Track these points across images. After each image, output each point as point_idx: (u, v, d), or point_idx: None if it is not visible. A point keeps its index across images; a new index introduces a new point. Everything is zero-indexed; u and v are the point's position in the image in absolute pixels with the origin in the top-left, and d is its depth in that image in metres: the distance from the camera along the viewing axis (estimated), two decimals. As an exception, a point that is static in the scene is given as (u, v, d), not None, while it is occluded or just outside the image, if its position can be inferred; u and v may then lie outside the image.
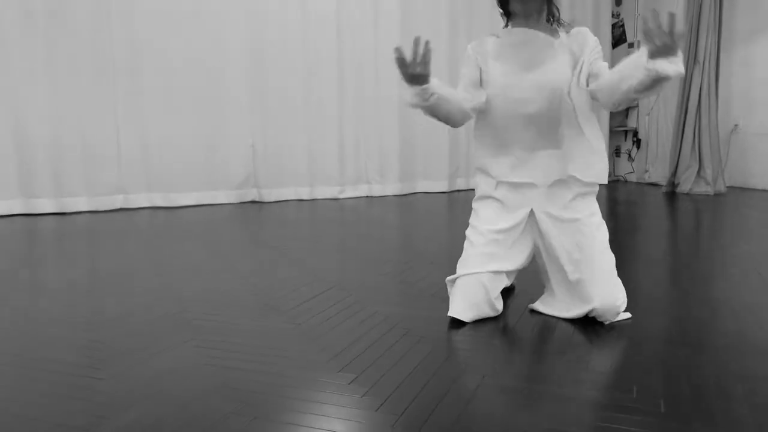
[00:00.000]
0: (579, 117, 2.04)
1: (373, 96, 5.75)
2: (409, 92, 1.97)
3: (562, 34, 2.10)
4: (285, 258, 3.06)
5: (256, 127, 5.31)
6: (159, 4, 4.83)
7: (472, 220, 2.18)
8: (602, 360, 1.72)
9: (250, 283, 2.56)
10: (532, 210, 2.10)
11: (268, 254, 3.19)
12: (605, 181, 2.11)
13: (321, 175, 5.59)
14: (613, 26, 7.18)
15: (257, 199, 5.36)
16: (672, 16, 1.58)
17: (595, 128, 2.09)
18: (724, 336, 1.88)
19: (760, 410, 1.37)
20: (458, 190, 6.27)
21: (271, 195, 5.37)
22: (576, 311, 2.00)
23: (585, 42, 2.05)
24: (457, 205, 5.28)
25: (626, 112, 7.36)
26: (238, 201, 5.29)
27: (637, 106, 7.14)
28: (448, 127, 2.41)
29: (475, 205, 2.19)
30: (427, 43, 1.88)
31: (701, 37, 5.91)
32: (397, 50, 1.86)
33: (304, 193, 5.52)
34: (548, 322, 2.01)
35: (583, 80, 2.03)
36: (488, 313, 2.01)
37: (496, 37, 2.14)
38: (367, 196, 5.77)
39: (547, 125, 2.05)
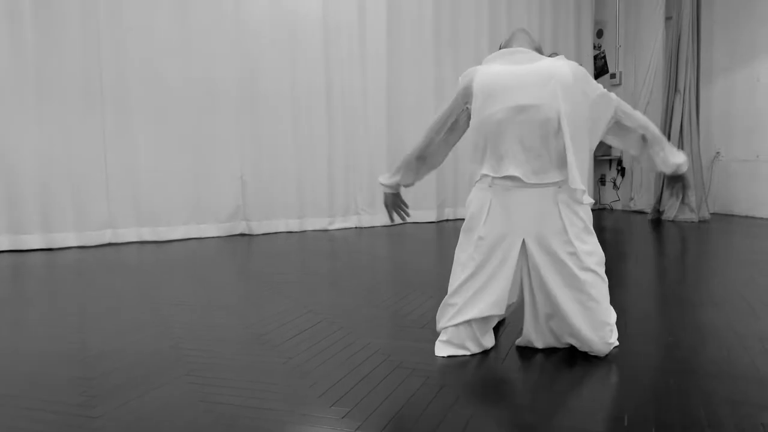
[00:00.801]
0: (568, 128, 1.99)
1: (361, 127, 5.82)
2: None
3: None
4: (275, 291, 3.06)
5: (246, 159, 5.33)
6: (148, 37, 4.88)
7: (458, 248, 2.13)
8: (593, 389, 1.73)
9: (241, 317, 2.56)
10: (523, 241, 2.02)
11: (258, 287, 3.19)
12: (583, 187, 2.05)
13: (310, 207, 5.61)
14: (595, 57, 7.34)
15: (246, 232, 5.36)
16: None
17: (585, 153, 2.08)
18: (713, 363, 1.90)
19: (749, 437, 1.39)
20: (446, 220, 6.31)
21: (260, 227, 5.37)
22: (565, 341, 2.01)
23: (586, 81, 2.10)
24: (445, 235, 5.31)
25: (610, 141, 7.46)
26: (227, 234, 5.28)
27: (621, 135, 7.24)
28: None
29: (463, 232, 2.13)
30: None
31: (681, 68, 6.06)
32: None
33: (294, 225, 5.53)
34: (538, 352, 2.02)
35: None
36: (476, 351, 2.01)
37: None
38: (356, 227, 5.79)
39: (539, 125, 1.99)
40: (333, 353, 2.03)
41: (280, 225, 5.47)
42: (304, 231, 5.53)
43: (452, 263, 2.14)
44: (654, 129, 2.16)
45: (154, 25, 4.91)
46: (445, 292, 2.11)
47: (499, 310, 2.02)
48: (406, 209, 2.48)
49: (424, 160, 2.36)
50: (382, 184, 2.43)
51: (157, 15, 4.92)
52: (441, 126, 2.26)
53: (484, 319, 2.01)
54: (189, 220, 5.12)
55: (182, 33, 5.02)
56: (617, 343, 2.02)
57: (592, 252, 1.99)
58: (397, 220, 2.53)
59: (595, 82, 2.12)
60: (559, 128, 1.98)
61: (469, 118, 2.19)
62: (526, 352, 2.02)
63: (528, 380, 1.79)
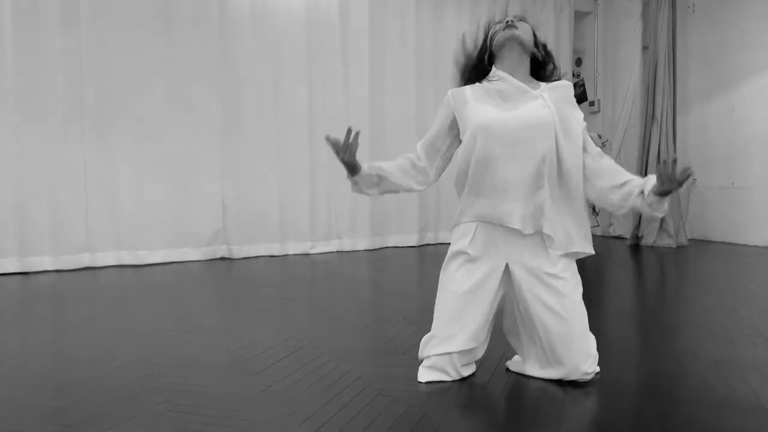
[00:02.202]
0: (567, 169, 2.00)
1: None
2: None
3: (542, 84, 2.13)
4: (256, 316, 3.04)
5: (226, 182, 5.31)
6: (129, 61, 4.87)
7: (442, 276, 2.12)
8: (575, 417, 1.73)
9: (221, 343, 2.53)
10: (507, 265, 2.02)
11: (238, 312, 3.16)
12: (591, 251, 2.06)
13: (292, 231, 5.59)
14: (575, 85, 7.45)
15: (227, 256, 5.32)
16: (684, 170, 1.82)
17: (581, 191, 2.05)
18: (693, 390, 1.92)
19: (729, 465, 1.39)
20: (428, 244, 6.32)
21: (241, 251, 5.33)
22: (549, 372, 2.00)
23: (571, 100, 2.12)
24: (427, 260, 5.32)
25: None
26: (208, 258, 5.24)
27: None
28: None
29: (447, 261, 2.11)
30: (356, 134, 2.00)
31: (658, 97, 6.18)
32: (328, 138, 2.02)
33: (275, 249, 5.50)
34: (520, 380, 2.02)
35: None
36: (457, 378, 2.00)
37: (477, 84, 2.14)
38: (338, 251, 5.77)
39: (532, 169, 1.98)
40: (314, 380, 2.01)
41: (261, 249, 5.43)
42: (286, 255, 5.50)
43: (435, 289, 2.12)
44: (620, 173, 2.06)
45: (136, 46, 4.90)
46: (427, 317, 2.10)
47: (476, 342, 2.01)
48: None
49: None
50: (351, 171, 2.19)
51: (140, 35, 4.91)
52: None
53: (466, 351, 2.01)
54: (169, 243, 5.07)
55: (165, 53, 5.02)
56: (598, 369, 2.02)
57: (573, 282, 2.01)
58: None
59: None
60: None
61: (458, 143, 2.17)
62: (508, 379, 2.02)
63: (510, 407, 1.79)
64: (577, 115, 2.09)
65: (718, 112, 6.29)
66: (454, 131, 2.16)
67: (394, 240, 6.13)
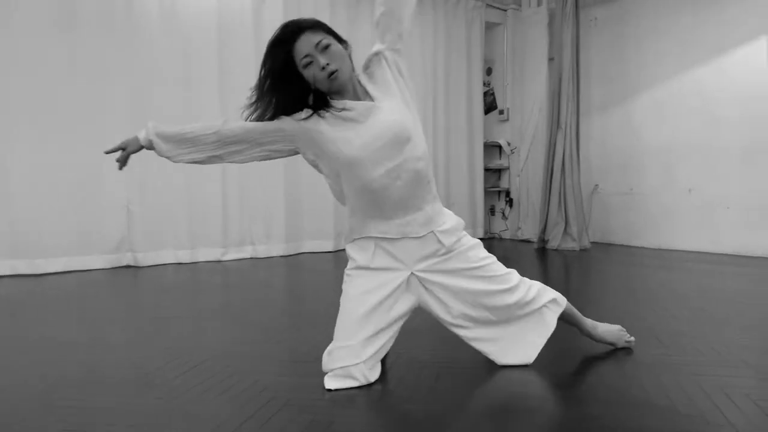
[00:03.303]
0: (427, 162, 2.08)
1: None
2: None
3: (369, 87, 2.09)
4: (162, 327, 2.93)
5: (132, 187, 5.10)
6: (30, 61, 4.60)
7: (345, 285, 2.16)
8: (474, 415, 1.77)
9: (123, 356, 2.42)
10: (412, 273, 2.10)
11: (143, 323, 3.04)
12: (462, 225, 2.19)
13: (202, 237, 5.43)
14: (485, 94, 7.68)
15: (132, 264, 5.10)
16: None
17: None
18: (592, 388, 2.00)
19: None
20: (344, 250, 6.30)
21: (147, 259, 5.13)
22: (526, 344, 2.19)
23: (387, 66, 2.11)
24: (343, 265, 5.27)
25: (499, 173, 7.81)
26: (112, 266, 5.01)
27: (509, 168, 7.60)
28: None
29: (349, 271, 2.17)
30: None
31: (562, 106, 6.45)
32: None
33: (184, 256, 5.33)
34: (426, 383, 2.05)
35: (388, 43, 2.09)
36: (364, 383, 2.00)
37: (318, 117, 2.06)
38: (251, 258, 5.67)
39: (405, 178, 2.03)
40: (219, 392, 1.96)
41: (170, 256, 5.25)
42: (196, 262, 5.34)
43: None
44: None
45: (37, 46, 4.64)
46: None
47: (379, 347, 2.04)
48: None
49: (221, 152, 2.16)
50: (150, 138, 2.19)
51: (41, 35, 4.65)
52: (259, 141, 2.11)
53: (371, 356, 2.03)
54: (70, 251, 4.82)
55: (68, 53, 4.78)
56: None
57: (484, 258, 2.15)
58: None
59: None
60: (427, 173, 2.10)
61: (289, 153, 2.15)
62: (417, 381, 2.04)
63: (415, 411, 1.80)
64: (395, 91, 2.09)
65: (618, 121, 6.65)
66: (290, 144, 2.12)
67: (309, 245, 6.09)
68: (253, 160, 2.17)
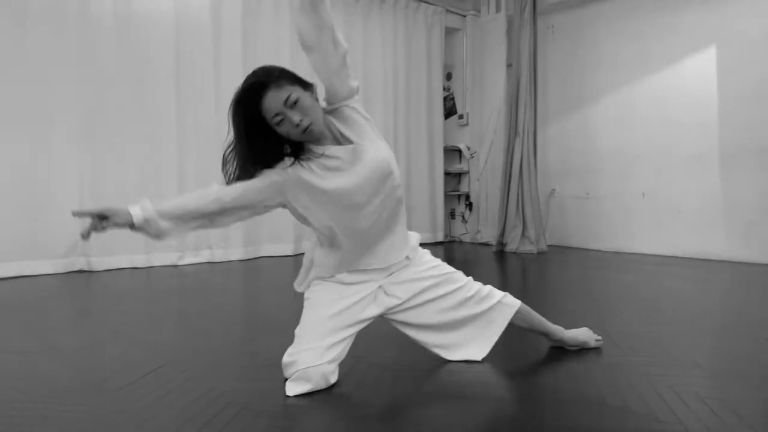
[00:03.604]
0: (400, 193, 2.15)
1: (216, 159, 5.64)
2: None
3: (342, 129, 2.05)
4: (116, 333, 2.85)
5: (85, 189, 4.97)
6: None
7: (310, 293, 2.20)
8: (434, 417, 1.77)
9: (73, 363, 2.35)
10: (380, 286, 2.18)
11: (95, 330, 2.96)
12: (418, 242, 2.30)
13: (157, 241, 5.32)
14: (445, 99, 7.74)
15: (86, 269, 4.97)
16: None
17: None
18: (546, 389, 2.03)
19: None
20: (303, 254, 6.26)
21: (101, 263, 5.00)
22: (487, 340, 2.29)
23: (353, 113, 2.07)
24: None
25: (459, 177, 7.87)
26: (65, 271, 4.86)
27: (468, 172, 7.67)
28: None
29: (315, 283, 2.21)
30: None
31: (520, 111, 6.55)
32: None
33: (139, 261, 5.21)
34: (384, 386, 2.04)
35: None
36: (324, 386, 1.99)
37: (301, 166, 2.02)
38: (209, 262, 5.58)
39: (389, 208, 2.09)
40: (173, 399, 1.92)
41: (124, 261, 5.13)
42: (151, 267, 5.24)
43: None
44: None
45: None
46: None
47: (338, 351, 2.05)
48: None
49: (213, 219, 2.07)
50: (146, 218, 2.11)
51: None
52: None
53: (333, 359, 2.02)
54: (19, 255, 4.66)
55: (18, 53, 4.63)
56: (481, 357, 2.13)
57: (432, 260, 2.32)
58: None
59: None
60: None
61: (276, 206, 2.12)
62: (375, 385, 2.04)
63: (374, 413, 1.80)
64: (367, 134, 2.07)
65: (574, 127, 6.78)
66: (280, 197, 2.07)
67: (268, 249, 6.03)
68: (238, 221, 2.10)
